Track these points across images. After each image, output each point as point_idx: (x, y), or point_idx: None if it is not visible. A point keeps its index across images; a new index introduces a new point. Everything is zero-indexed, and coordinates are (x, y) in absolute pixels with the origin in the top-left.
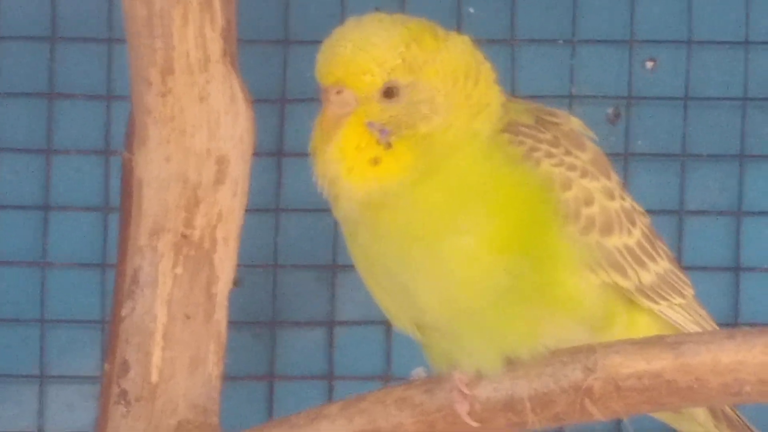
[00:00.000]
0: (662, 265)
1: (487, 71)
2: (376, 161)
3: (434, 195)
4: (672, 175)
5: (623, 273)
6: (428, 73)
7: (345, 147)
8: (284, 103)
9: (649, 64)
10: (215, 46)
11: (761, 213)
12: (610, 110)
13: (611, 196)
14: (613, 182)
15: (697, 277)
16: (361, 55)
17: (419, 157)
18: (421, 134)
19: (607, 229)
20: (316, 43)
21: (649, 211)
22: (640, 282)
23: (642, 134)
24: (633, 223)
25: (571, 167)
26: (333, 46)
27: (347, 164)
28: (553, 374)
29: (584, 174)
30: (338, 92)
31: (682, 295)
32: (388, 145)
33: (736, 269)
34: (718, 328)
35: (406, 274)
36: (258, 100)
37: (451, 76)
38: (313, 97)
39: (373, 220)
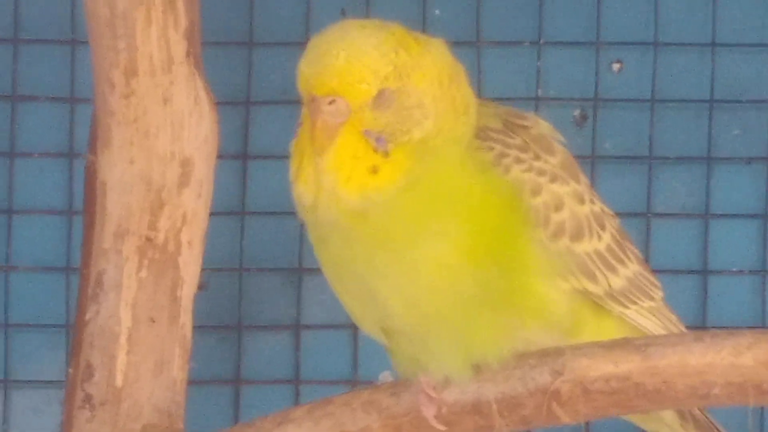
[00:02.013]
0: (632, 268)
1: (463, 74)
2: (375, 170)
3: (415, 202)
4: (639, 178)
5: (593, 279)
6: (416, 77)
7: (342, 156)
8: (248, 105)
9: (616, 66)
10: (179, 47)
11: (728, 215)
12: (576, 112)
13: (581, 200)
14: (583, 185)
15: (665, 279)
16: (356, 64)
17: (415, 164)
18: (416, 140)
19: (577, 235)
20: (281, 44)
21: (617, 214)
22: (610, 287)
23: (609, 136)
24: (603, 227)
25: (541, 172)
26: (323, 55)
27: (345, 173)
28: (521, 377)
29: (554, 179)
30: (331, 102)
31: (652, 298)
32: (386, 153)
33: (703, 272)
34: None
35: (378, 280)
36: (222, 102)
37: (437, 79)
38: (277, 100)
39: (359, 226)
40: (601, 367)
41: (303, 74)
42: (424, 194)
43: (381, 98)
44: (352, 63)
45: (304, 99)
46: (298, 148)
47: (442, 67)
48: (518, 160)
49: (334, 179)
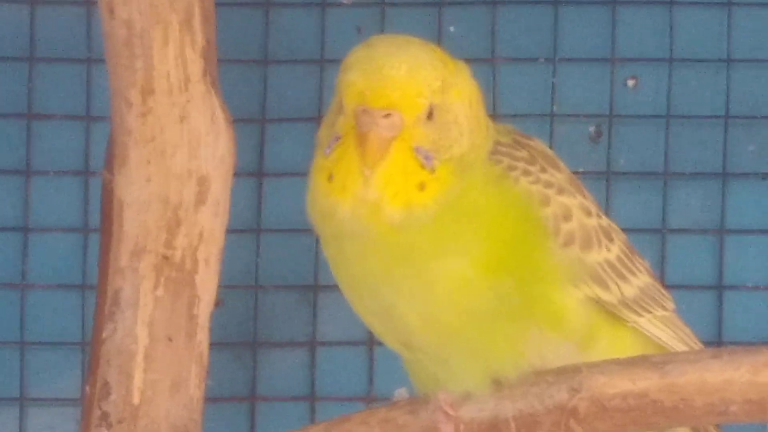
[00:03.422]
0: (642, 279)
1: (481, 94)
2: (422, 186)
3: (451, 220)
4: (654, 194)
5: (605, 287)
6: (453, 95)
7: (392, 171)
8: (264, 123)
9: (631, 82)
10: (195, 66)
11: (743, 231)
12: (591, 129)
13: (588, 213)
14: (589, 201)
15: (680, 295)
16: (416, 77)
17: (455, 181)
18: (456, 157)
19: (586, 245)
20: (296, 62)
21: (632, 230)
22: (622, 295)
23: (624, 152)
24: (611, 239)
25: (548, 184)
26: (381, 67)
27: (393, 188)
28: (538, 394)
29: (561, 191)
30: (386, 115)
31: (664, 308)
32: (432, 170)
33: (719, 287)
34: (701, 345)
35: (398, 296)
36: (238, 120)
37: (467, 98)
38: (293, 117)
39: (390, 241)
40: (618, 385)
41: (355, 86)
42: (458, 211)
43: (429, 113)
44: (412, 76)
45: (349, 111)
46: (340, 160)
47: (471, 87)
48: (526, 172)
49: (381, 193)
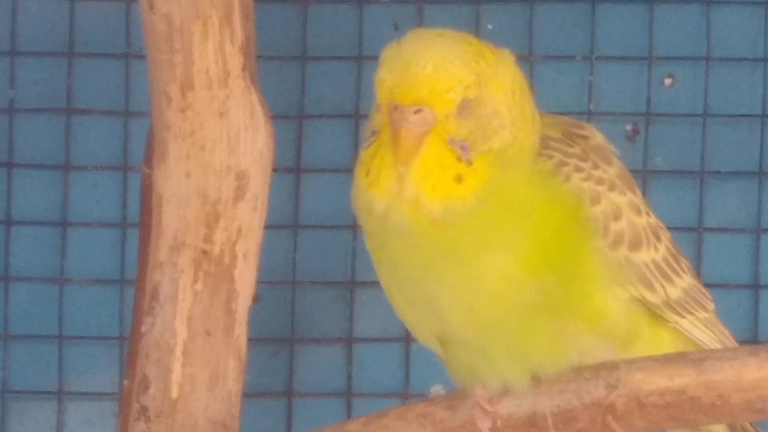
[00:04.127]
0: (686, 280)
1: (527, 85)
2: (459, 179)
3: (491, 213)
4: (691, 192)
5: (651, 288)
6: (492, 87)
7: (427, 165)
8: (302, 119)
9: (668, 81)
10: (235, 61)
11: None
12: (628, 127)
13: (638, 211)
14: (639, 198)
15: (716, 294)
16: (443, 73)
17: (495, 174)
18: (496, 149)
19: (635, 244)
20: (334, 59)
21: (668, 228)
22: (667, 296)
23: (661, 151)
24: (658, 239)
25: (599, 181)
26: (408, 64)
27: (430, 182)
28: (575, 391)
29: (612, 188)
30: (417, 111)
31: (706, 310)
32: (469, 162)
33: (755, 286)
34: (738, 346)
35: (440, 289)
36: (276, 115)
37: (510, 89)
38: (331, 114)
39: (432, 235)
40: (656, 381)
41: (386, 83)
42: (499, 204)
43: (463, 107)
44: (440, 72)
45: (383, 107)
46: (374, 155)
47: (514, 78)
48: (578, 169)
49: (418, 188)
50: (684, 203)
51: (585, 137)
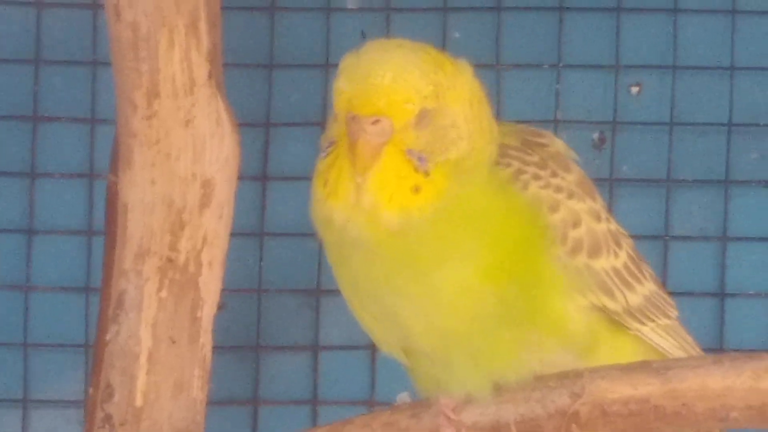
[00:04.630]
0: (648, 286)
1: (485, 96)
2: (416, 189)
3: (449, 223)
4: (657, 200)
5: (611, 295)
6: (450, 98)
7: (385, 176)
8: (269, 127)
9: (635, 89)
10: (201, 69)
11: (746, 238)
12: (595, 135)
13: (598, 218)
14: (598, 204)
15: (682, 302)
16: (401, 84)
17: (452, 184)
18: (453, 160)
19: (594, 251)
20: (301, 66)
21: (634, 236)
22: (627, 304)
23: (627, 159)
24: (619, 245)
25: (558, 189)
26: (367, 75)
27: (387, 193)
28: (540, 399)
29: (571, 195)
30: (375, 122)
31: (668, 317)
32: (427, 173)
33: (721, 294)
34: (702, 353)
35: (400, 300)
36: (243, 123)
37: (468, 100)
38: (297, 122)
39: (390, 246)
40: (620, 390)
41: (344, 93)
42: (456, 215)
43: (421, 118)
44: (398, 83)
45: (340, 117)
46: (332, 166)
47: (472, 89)
48: (536, 177)
49: (375, 198)
50: (650, 211)
51: (544, 145)
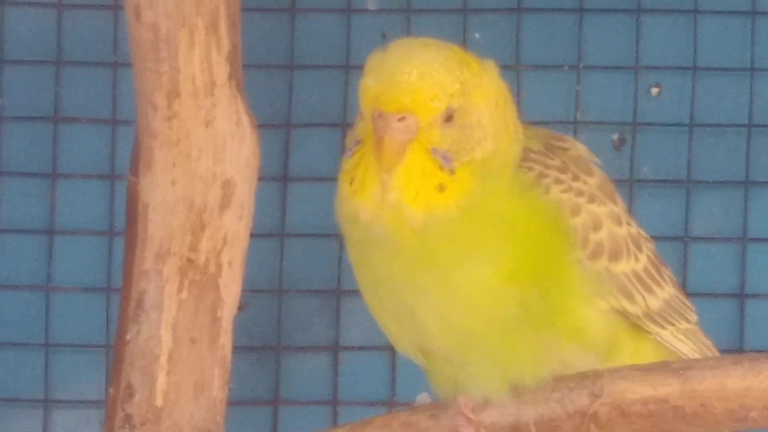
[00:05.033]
0: (668, 290)
1: (511, 97)
2: (441, 188)
3: (472, 223)
4: (677, 201)
5: (631, 299)
6: (476, 97)
7: (410, 173)
8: (289, 128)
9: (655, 90)
10: (221, 70)
11: (766, 239)
12: (615, 136)
13: (618, 222)
14: (620, 207)
15: (702, 303)
16: (428, 81)
17: (477, 184)
18: (478, 160)
19: (615, 255)
20: (322, 68)
21: (654, 238)
22: (647, 307)
23: (647, 160)
24: (639, 249)
25: (579, 193)
26: (393, 72)
27: (412, 191)
28: (559, 399)
29: (592, 199)
30: (401, 119)
31: (688, 321)
32: (452, 172)
33: (741, 295)
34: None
35: (420, 300)
36: (263, 124)
37: (493, 100)
38: (318, 122)
39: (413, 244)
40: (639, 390)
41: (370, 90)
42: (480, 215)
43: (447, 116)
44: (425, 80)
45: (367, 115)
46: (358, 164)
47: (498, 89)
48: (558, 181)
49: (401, 196)
50: (670, 212)
51: (565, 149)
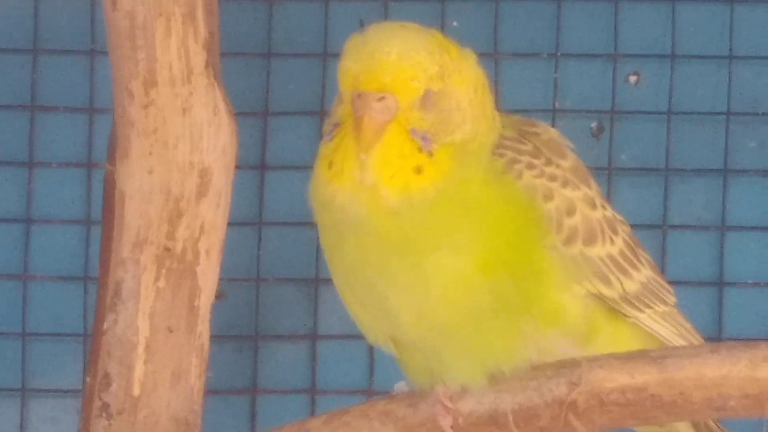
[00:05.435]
0: (645, 273)
1: (488, 84)
2: (419, 170)
3: (448, 208)
4: (656, 190)
5: (607, 282)
6: (455, 81)
7: (388, 153)
8: (266, 116)
9: (633, 78)
10: (198, 58)
11: (744, 227)
12: (593, 124)
13: (593, 205)
14: (594, 191)
15: (680, 291)
16: (408, 61)
17: (455, 167)
18: (457, 142)
19: (590, 239)
20: (299, 56)
21: (633, 226)
22: (624, 291)
23: (626, 148)
24: (615, 232)
25: (552, 178)
26: (373, 52)
27: (389, 171)
28: (537, 388)
29: (565, 183)
30: (380, 99)
31: (665, 303)
32: (430, 154)
33: (719, 284)
34: (701, 339)
35: (391, 288)
36: (240, 112)
37: (472, 85)
38: (295, 110)
39: (387, 227)
40: (617, 379)
41: (350, 70)
42: (454, 201)
43: (426, 98)
44: (404, 60)
45: (346, 97)
46: (337, 148)
47: (476, 74)
48: (530, 166)
49: (378, 176)
50: (649, 200)
51: (537, 134)
